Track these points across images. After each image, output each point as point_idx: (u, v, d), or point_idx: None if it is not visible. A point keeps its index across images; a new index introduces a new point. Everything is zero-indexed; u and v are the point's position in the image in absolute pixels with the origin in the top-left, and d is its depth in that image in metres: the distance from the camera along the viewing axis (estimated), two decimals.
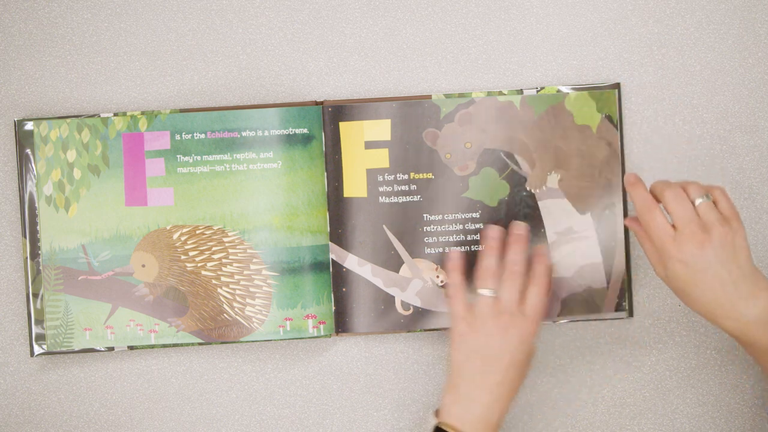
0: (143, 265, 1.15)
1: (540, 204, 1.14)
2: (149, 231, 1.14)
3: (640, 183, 1.06)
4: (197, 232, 1.15)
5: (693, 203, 1.04)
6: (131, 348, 1.13)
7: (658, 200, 1.05)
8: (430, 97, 1.13)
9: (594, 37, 1.15)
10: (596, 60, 1.14)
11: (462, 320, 1.07)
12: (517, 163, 1.14)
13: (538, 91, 1.13)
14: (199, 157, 1.14)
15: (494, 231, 1.10)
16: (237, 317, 1.14)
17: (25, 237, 1.13)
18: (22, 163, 1.12)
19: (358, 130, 1.13)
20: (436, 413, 1.06)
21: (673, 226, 1.03)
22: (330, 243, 1.14)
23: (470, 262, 1.12)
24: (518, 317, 1.06)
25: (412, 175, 1.14)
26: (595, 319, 1.14)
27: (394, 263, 1.14)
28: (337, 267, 1.14)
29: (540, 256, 1.09)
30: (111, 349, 1.13)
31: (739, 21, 1.14)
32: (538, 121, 1.13)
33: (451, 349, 1.07)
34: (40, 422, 1.15)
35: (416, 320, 1.14)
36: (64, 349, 1.13)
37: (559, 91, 1.13)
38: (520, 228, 1.10)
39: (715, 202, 1.05)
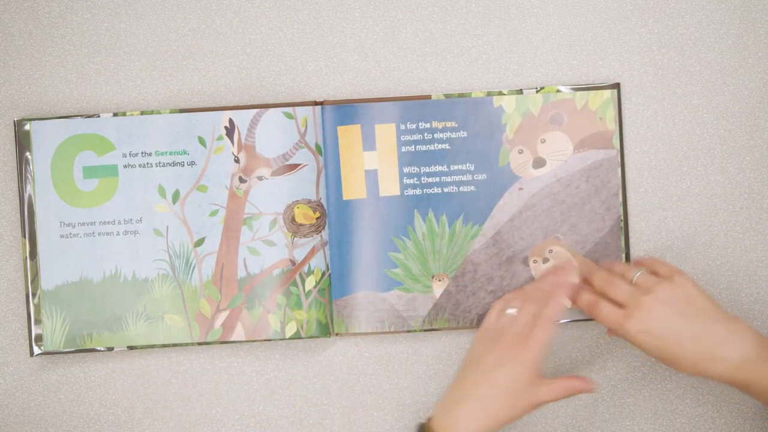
0: None
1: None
2: None
3: (578, 289, 1.07)
4: None
5: (631, 281, 1.04)
6: (131, 348, 1.13)
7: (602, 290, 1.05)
8: (430, 96, 1.13)
9: (594, 37, 1.14)
10: (596, 60, 1.14)
11: (485, 330, 1.07)
12: None
13: (537, 91, 1.13)
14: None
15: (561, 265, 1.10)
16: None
17: (25, 237, 1.13)
18: (22, 163, 1.12)
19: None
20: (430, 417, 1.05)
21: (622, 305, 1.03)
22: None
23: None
24: (522, 339, 1.03)
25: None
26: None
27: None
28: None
29: (558, 287, 1.07)
30: (111, 349, 1.13)
31: (739, 21, 1.14)
32: None
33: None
34: (40, 422, 1.15)
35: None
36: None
37: (559, 90, 1.13)
38: (566, 263, 1.10)
39: (654, 272, 1.05)
